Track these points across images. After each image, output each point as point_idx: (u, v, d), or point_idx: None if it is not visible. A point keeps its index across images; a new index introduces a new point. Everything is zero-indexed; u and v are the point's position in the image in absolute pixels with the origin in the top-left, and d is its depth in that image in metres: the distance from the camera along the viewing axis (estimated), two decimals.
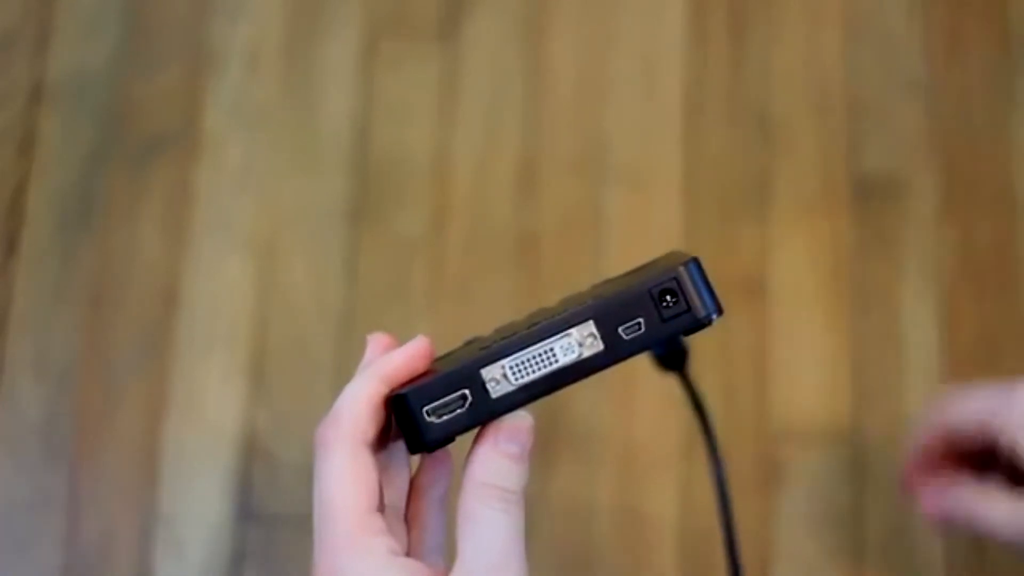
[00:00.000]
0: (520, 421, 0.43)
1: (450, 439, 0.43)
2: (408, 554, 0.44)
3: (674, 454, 0.72)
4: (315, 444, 0.43)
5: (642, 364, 0.73)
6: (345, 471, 0.42)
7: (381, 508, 0.43)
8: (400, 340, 0.46)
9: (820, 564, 0.70)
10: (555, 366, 0.42)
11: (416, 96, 0.78)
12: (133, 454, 0.71)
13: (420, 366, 0.44)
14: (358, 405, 0.43)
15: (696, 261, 0.42)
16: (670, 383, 0.71)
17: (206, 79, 0.78)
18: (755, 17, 0.79)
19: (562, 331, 0.42)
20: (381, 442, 0.45)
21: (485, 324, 0.49)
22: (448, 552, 0.43)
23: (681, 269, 0.42)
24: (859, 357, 0.73)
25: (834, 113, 0.78)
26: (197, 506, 0.71)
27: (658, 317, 0.42)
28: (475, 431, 0.43)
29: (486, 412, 0.42)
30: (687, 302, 0.41)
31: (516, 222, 0.75)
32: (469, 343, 0.48)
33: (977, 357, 0.74)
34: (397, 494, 0.45)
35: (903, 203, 0.76)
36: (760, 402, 0.69)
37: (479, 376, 0.42)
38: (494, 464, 0.42)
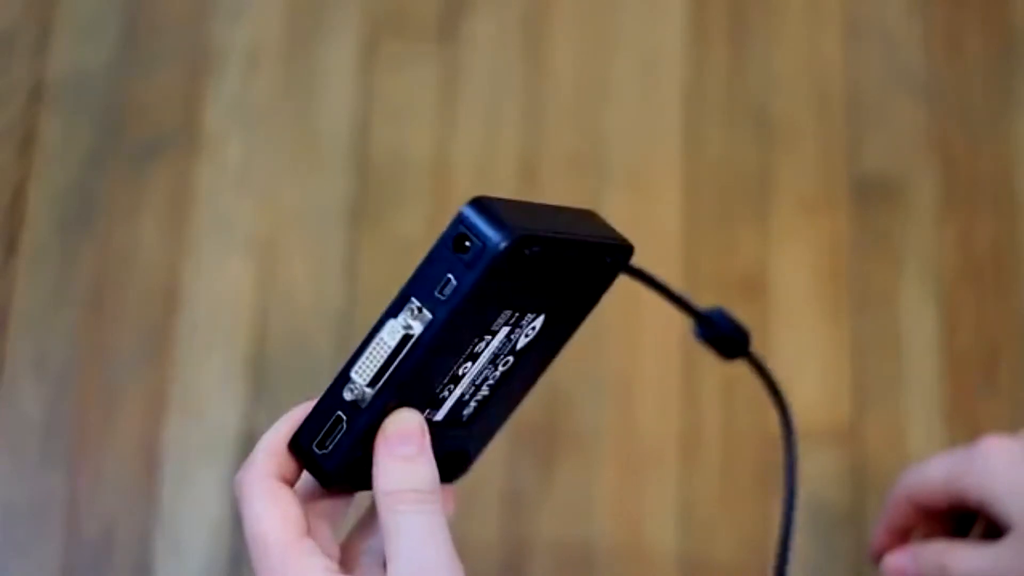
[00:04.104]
0: (404, 424, 0.43)
1: (355, 464, 0.43)
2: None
3: (675, 454, 0.72)
4: (234, 488, 0.44)
5: (642, 364, 0.73)
6: (266, 506, 0.42)
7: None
8: None
9: (820, 564, 0.70)
10: (390, 351, 0.42)
11: (416, 96, 0.78)
12: (133, 454, 0.71)
13: None
14: (270, 446, 0.44)
15: (477, 199, 0.42)
16: (669, 383, 0.71)
17: (206, 79, 0.78)
18: (755, 17, 0.79)
19: (387, 319, 0.42)
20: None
21: None
22: None
23: (462, 209, 0.42)
24: (859, 357, 0.73)
25: (834, 113, 0.78)
26: (197, 506, 0.71)
27: (463, 265, 0.42)
28: None
29: (364, 424, 0.43)
30: (480, 239, 0.41)
31: None
32: None
33: (977, 357, 0.74)
34: (339, 532, 0.46)
35: (903, 203, 0.76)
36: (759, 402, 0.68)
37: (341, 395, 0.42)
38: (392, 470, 0.43)
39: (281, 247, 0.75)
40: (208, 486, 0.71)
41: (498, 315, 0.43)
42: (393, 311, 0.42)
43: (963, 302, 0.75)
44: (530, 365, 0.47)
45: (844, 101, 0.78)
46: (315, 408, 0.43)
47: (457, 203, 0.75)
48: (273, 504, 0.42)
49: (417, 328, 0.42)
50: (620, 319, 0.73)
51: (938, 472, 0.58)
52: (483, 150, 0.77)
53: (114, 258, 0.74)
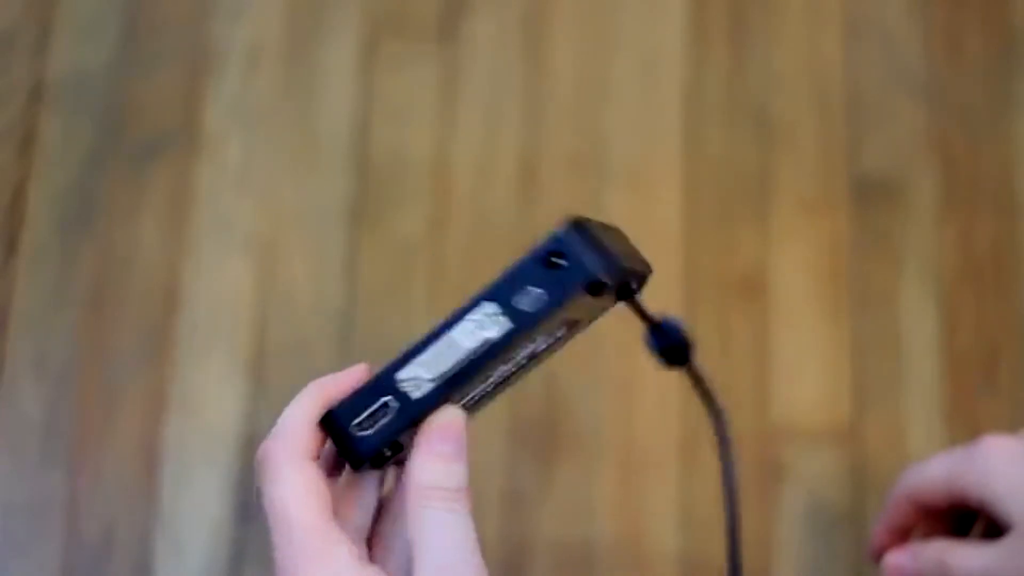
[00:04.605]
0: (450, 420, 0.43)
1: (391, 450, 0.43)
2: None
3: (674, 454, 0.72)
4: (258, 462, 0.43)
5: (642, 364, 0.73)
6: (295, 484, 0.42)
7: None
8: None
9: (820, 565, 0.70)
10: (462, 352, 0.42)
11: (416, 96, 0.78)
12: (133, 454, 0.71)
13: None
14: (297, 422, 0.43)
15: (576, 220, 0.43)
16: (669, 383, 0.71)
17: (206, 79, 0.78)
18: (755, 17, 0.79)
19: (461, 318, 0.43)
20: (340, 464, 0.45)
21: None
22: None
23: (561, 229, 0.42)
24: (859, 357, 0.73)
25: (834, 113, 0.78)
26: (197, 506, 0.71)
27: (553, 282, 0.42)
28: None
29: (412, 414, 0.43)
30: (575, 262, 0.42)
31: (516, 222, 0.75)
32: None
33: (977, 357, 0.74)
34: (364, 516, 0.45)
35: (903, 203, 0.76)
36: (760, 402, 0.69)
37: (395, 381, 0.43)
38: (430, 466, 0.43)
39: (281, 247, 0.75)
40: (208, 486, 0.71)
41: (556, 329, 0.44)
42: (470, 312, 0.43)
43: (963, 302, 0.75)
44: (532, 364, 0.48)
45: (844, 101, 0.78)
46: (363, 389, 0.43)
47: (457, 203, 0.76)
48: (303, 483, 0.42)
49: (493, 334, 0.42)
50: (621, 319, 0.73)
51: (938, 471, 0.58)
52: (483, 150, 0.77)
53: (114, 258, 0.75)
